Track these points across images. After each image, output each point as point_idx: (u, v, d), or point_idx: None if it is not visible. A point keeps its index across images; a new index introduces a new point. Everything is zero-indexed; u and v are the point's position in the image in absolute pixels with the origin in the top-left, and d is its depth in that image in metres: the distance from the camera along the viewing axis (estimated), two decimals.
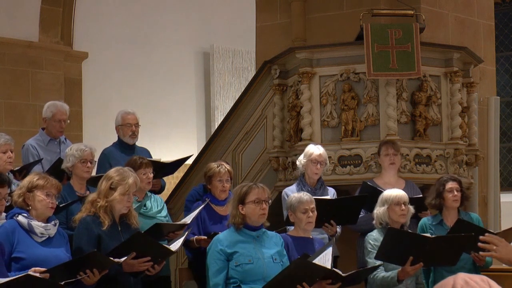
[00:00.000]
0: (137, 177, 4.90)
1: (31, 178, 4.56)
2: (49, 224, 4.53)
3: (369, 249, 5.39)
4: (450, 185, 5.78)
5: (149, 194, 5.89)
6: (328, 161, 6.25)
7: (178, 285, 6.27)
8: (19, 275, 4.03)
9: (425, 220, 5.88)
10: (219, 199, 5.88)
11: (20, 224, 4.45)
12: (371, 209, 5.70)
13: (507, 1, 12.62)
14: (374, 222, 5.56)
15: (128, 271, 4.63)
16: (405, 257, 5.09)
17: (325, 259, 4.73)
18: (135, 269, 4.62)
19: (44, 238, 4.49)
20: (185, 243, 5.86)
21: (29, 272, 4.11)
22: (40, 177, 4.56)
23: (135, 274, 4.68)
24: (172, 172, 6.78)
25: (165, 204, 6.02)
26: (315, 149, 6.14)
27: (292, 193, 5.84)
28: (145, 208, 5.77)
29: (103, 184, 4.79)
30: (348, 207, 5.87)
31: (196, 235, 5.78)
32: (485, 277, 1.93)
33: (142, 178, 5.74)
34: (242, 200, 4.84)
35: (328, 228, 5.76)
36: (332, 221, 5.74)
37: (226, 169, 5.89)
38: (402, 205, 5.45)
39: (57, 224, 4.60)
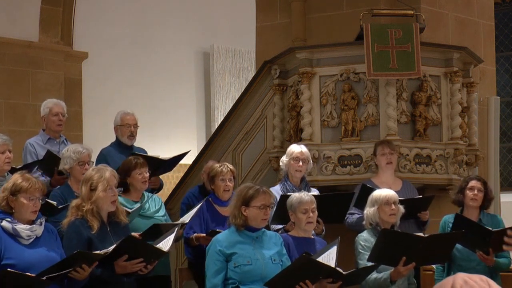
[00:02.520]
0: (113, 170, 4.86)
1: (15, 180, 4.43)
2: (34, 225, 4.43)
3: (360, 250, 5.34)
4: (472, 183, 5.80)
5: (146, 194, 5.89)
6: (311, 160, 6.22)
7: (178, 285, 6.26)
8: None
9: (446, 218, 5.90)
10: (222, 199, 5.87)
11: (4, 229, 4.35)
12: None
13: (507, 1, 12.62)
14: (364, 222, 5.55)
15: (121, 273, 4.61)
16: (398, 257, 5.05)
17: (329, 258, 4.72)
18: (128, 271, 4.59)
19: (31, 240, 4.40)
20: (185, 241, 5.86)
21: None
22: (23, 179, 4.43)
23: (128, 275, 4.67)
24: (169, 170, 6.76)
25: (163, 204, 6.01)
26: (296, 148, 6.12)
27: (276, 193, 5.84)
28: (143, 208, 5.75)
29: (83, 189, 4.72)
30: (335, 204, 5.83)
31: (197, 233, 5.77)
32: (484, 277, 1.93)
33: (137, 178, 5.73)
34: (246, 202, 4.82)
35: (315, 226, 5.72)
36: (319, 219, 5.70)
37: (228, 169, 5.89)
38: (392, 205, 5.41)
39: (43, 223, 4.50)
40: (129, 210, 5.39)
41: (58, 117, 6.68)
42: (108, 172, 4.76)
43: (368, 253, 5.17)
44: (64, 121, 6.76)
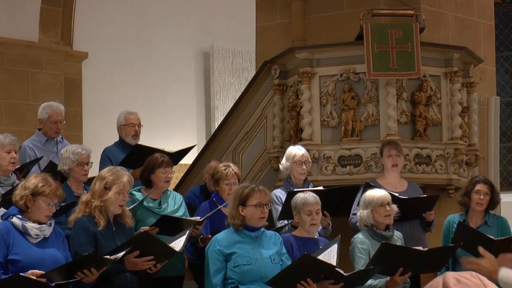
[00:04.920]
0: (130, 176, 4.87)
1: (37, 182, 4.47)
2: (44, 225, 4.48)
3: (357, 254, 5.31)
4: (479, 187, 5.77)
5: (168, 192, 5.81)
6: (310, 160, 6.22)
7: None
8: (9, 276, 4.05)
9: (451, 217, 5.88)
10: (227, 202, 5.84)
11: (14, 225, 4.41)
12: None
13: (507, 1, 12.61)
14: (358, 224, 5.52)
15: (131, 270, 4.62)
16: (395, 268, 5.03)
17: (330, 256, 4.72)
18: (138, 268, 4.61)
19: (39, 239, 4.45)
20: (191, 241, 5.82)
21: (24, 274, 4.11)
22: (46, 184, 4.47)
23: (136, 272, 4.68)
24: (175, 163, 6.73)
25: (184, 203, 5.88)
26: (297, 151, 6.11)
27: (282, 195, 5.84)
28: (159, 207, 5.68)
29: (97, 184, 4.76)
30: (340, 198, 5.86)
31: (203, 235, 5.74)
32: (474, 273, 1.90)
33: (161, 176, 5.67)
34: (243, 202, 4.81)
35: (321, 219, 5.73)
36: (325, 212, 5.69)
37: (233, 172, 5.84)
38: (386, 206, 5.39)
39: (53, 224, 4.56)
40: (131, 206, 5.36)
41: (56, 125, 6.67)
42: (126, 177, 4.79)
43: (365, 257, 5.17)
44: (61, 128, 6.75)
